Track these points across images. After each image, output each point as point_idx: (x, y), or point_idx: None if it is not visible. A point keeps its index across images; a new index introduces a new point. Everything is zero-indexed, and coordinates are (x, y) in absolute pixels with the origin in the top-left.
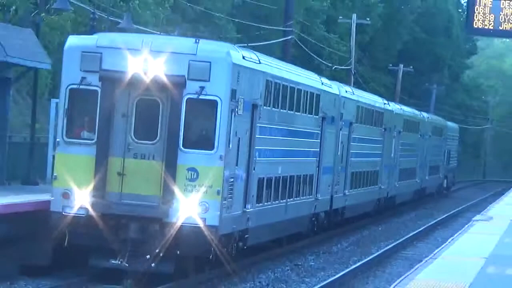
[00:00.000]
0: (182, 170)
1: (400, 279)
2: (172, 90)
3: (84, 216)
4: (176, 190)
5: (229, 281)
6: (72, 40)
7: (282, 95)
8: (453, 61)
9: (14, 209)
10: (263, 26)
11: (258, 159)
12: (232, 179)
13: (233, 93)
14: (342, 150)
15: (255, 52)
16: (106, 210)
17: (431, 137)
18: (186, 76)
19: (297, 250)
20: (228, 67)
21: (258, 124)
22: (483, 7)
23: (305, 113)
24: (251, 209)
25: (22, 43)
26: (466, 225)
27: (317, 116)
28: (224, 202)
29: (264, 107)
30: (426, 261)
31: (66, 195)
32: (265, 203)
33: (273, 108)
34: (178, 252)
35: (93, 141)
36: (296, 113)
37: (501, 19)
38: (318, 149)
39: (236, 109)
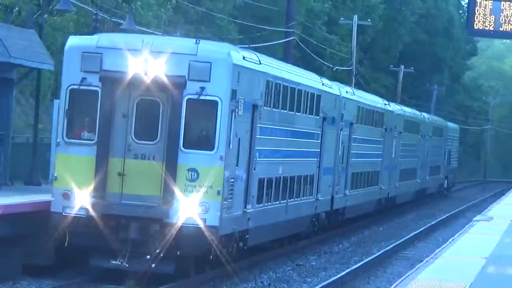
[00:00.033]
0: (182, 171)
1: (401, 279)
2: (173, 90)
3: (84, 217)
4: (177, 190)
5: (231, 281)
6: (73, 41)
7: (283, 95)
8: (453, 62)
9: (17, 209)
10: (264, 27)
11: (258, 159)
12: (232, 180)
13: (234, 93)
14: (342, 151)
15: (255, 52)
16: (107, 211)
17: (432, 138)
18: (187, 77)
19: (298, 250)
20: (229, 68)
21: (258, 125)
22: (483, 8)
23: (306, 113)
24: (252, 210)
25: (25, 44)
26: (467, 225)
27: (317, 117)
28: (224, 202)
29: (265, 107)
30: (427, 261)
31: (67, 195)
32: (266, 204)
33: (274, 109)
34: (178, 253)
35: (94, 141)
36: (296, 113)
37: (502, 20)
38: (319, 150)
39: (237, 110)
